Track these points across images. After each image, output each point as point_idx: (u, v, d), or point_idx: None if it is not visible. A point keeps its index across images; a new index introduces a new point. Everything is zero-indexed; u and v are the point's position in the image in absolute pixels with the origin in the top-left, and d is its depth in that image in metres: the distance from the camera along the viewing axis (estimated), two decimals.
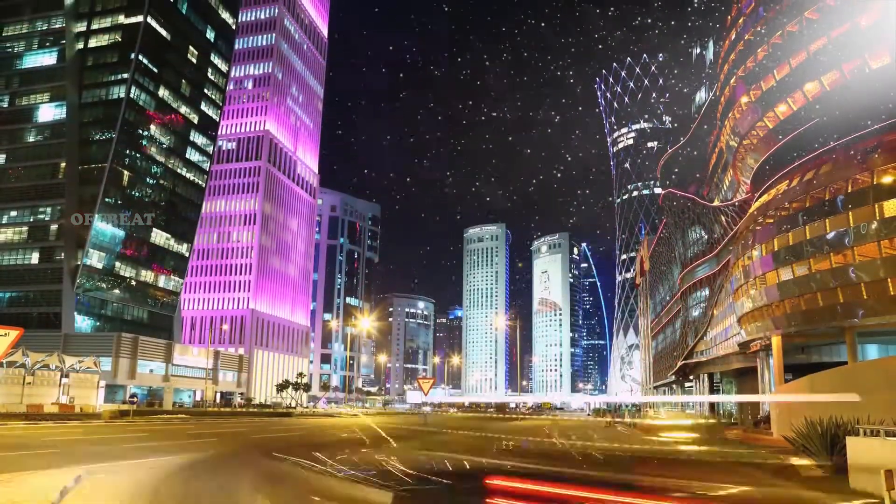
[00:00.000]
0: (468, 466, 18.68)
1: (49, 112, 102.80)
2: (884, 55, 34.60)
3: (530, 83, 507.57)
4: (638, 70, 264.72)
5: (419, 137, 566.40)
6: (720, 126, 53.31)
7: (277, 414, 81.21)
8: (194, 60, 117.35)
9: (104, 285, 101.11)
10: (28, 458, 20.77)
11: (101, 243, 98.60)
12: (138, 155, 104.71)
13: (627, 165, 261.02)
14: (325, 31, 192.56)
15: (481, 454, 21.80)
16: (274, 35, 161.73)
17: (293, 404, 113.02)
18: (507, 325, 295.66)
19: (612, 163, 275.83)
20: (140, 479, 16.50)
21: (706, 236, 68.21)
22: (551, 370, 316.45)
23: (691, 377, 77.41)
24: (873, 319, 34.86)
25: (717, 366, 63.06)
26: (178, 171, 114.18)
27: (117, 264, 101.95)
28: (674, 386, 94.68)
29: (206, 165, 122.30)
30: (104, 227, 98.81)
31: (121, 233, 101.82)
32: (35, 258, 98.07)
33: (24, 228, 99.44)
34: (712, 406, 69.39)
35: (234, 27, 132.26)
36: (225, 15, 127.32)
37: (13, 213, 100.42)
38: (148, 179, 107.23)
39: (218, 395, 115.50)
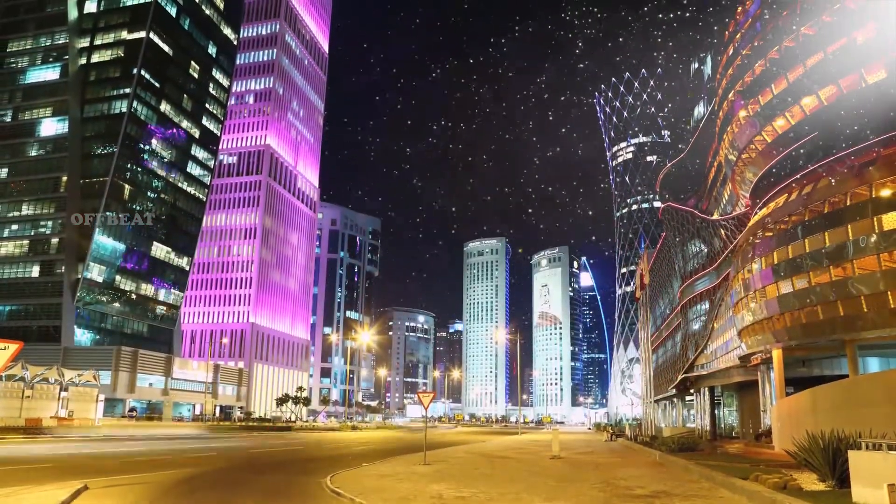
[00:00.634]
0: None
1: (51, 126, 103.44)
2: (880, 70, 34.87)
3: (531, 98, 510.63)
4: (637, 85, 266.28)
5: (419, 151, 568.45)
6: (719, 140, 53.59)
7: (277, 428, 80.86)
8: (196, 75, 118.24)
9: (104, 299, 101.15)
10: (26, 472, 20.72)
11: (102, 257, 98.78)
12: (139, 169, 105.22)
13: (627, 179, 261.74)
14: (325, 46, 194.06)
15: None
16: (275, 50, 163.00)
17: (293, 418, 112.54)
18: (507, 339, 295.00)
19: (611, 177, 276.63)
20: (139, 494, 16.48)
21: (706, 250, 68.31)
22: (552, 384, 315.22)
23: (692, 391, 77.13)
24: (874, 332, 34.84)
25: (717, 379, 62.87)
26: (179, 185, 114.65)
27: (118, 278, 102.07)
28: (675, 399, 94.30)
29: (206, 179, 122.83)
30: (105, 241, 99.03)
31: (121, 246, 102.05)
32: (35, 271, 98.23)
33: (25, 242, 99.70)
34: (713, 419, 69.11)
35: (235, 42, 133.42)
36: (227, 30, 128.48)
37: (14, 227, 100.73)
38: (149, 193, 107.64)
39: (217, 409, 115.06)
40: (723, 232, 59.93)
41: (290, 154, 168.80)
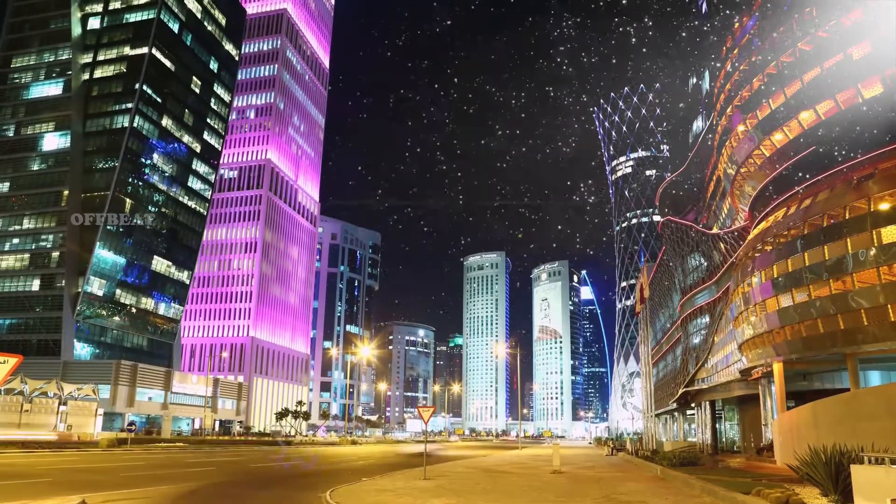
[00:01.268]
0: None
1: (53, 141, 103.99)
2: (876, 85, 35.16)
3: (531, 111, 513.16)
4: (635, 100, 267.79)
5: (420, 165, 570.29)
6: (717, 154, 53.84)
7: (277, 442, 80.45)
8: (197, 91, 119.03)
9: (104, 312, 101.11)
10: (24, 487, 20.66)
11: (103, 271, 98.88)
12: (140, 183, 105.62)
13: (626, 193, 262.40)
14: (326, 62, 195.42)
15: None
16: (276, 66, 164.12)
17: (292, 433, 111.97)
18: (507, 353, 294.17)
19: (611, 191, 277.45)
20: None
21: (705, 263, 68.34)
22: (552, 398, 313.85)
23: (693, 405, 76.79)
24: (874, 346, 34.80)
25: (718, 393, 62.65)
26: (180, 199, 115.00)
27: (118, 291, 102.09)
28: (675, 414, 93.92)
29: (207, 194, 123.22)
30: (105, 255, 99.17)
31: (122, 260, 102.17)
32: (36, 285, 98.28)
33: (26, 255, 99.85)
34: (714, 433, 68.75)
35: (237, 58, 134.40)
36: (228, 46, 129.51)
37: (15, 241, 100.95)
38: (150, 207, 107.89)
39: (217, 424, 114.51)
40: (722, 245, 60.03)
41: (290, 168, 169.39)
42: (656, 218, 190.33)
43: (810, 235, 37.62)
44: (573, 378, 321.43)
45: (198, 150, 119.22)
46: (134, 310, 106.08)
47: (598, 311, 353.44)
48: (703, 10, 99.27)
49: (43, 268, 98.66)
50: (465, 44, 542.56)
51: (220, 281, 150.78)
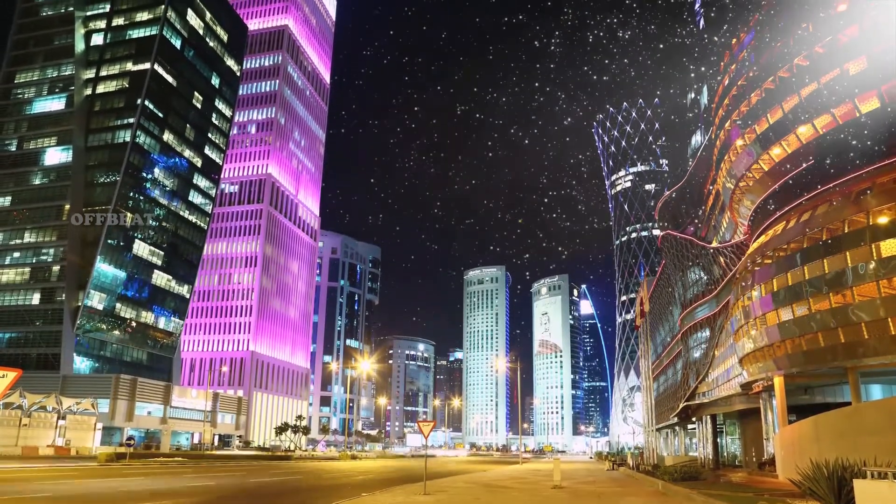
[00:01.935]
0: None
1: (55, 156, 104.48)
2: (872, 99, 35.41)
3: (531, 125, 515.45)
4: (634, 114, 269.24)
5: (420, 179, 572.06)
6: (716, 168, 54.06)
7: (276, 457, 80.00)
8: (199, 106, 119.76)
9: (104, 326, 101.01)
10: (20, 503, 20.58)
11: (103, 285, 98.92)
12: (142, 197, 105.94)
13: (626, 207, 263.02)
14: (327, 77, 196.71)
15: None
16: (277, 81, 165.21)
17: (292, 447, 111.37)
18: (507, 367, 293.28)
19: (610, 205, 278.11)
20: None
21: (705, 277, 68.38)
22: (552, 412, 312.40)
23: (694, 419, 76.49)
24: (875, 359, 34.77)
25: (719, 407, 62.44)
26: (181, 213, 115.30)
27: (118, 305, 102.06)
28: (676, 428, 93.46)
29: (208, 208, 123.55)
30: (106, 269, 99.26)
31: (122, 274, 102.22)
32: (36, 299, 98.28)
33: (27, 269, 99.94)
34: (716, 447, 68.42)
35: (238, 74, 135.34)
36: (230, 62, 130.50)
37: (16, 255, 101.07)
38: (151, 222, 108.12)
39: (216, 438, 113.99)
40: (722, 259, 60.12)
41: (291, 183, 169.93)
42: (656, 232, 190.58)
43: (810, 249, 37.72)
44: (574, 392, 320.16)
45: (199, 164, 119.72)
46: (134, 324, 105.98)
47: (599, 326, 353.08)
48: (701, 26, 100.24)
49: (43, 281, 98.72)
50: (464, 59, 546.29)
51: (221, 295, 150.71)
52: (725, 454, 69.95)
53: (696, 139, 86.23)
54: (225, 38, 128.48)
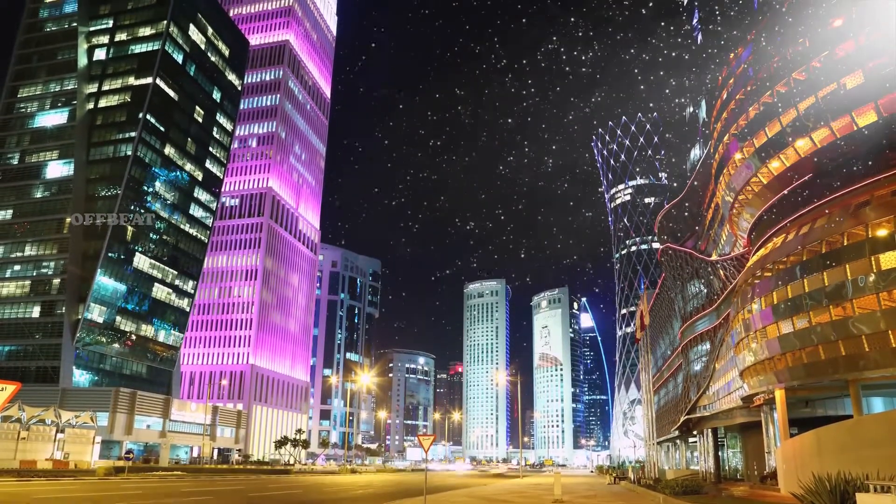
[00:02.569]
0: None
1: (57, 169, 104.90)
2: (869, 113, 35.70)
3: (530, 140, 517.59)
4: (633, 128, 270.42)
5: (420, 193, 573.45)
6: (715, 182, 54.30)
7: (275, 471, 79.62)
8: (200, 120, 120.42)
9: (104, 339, 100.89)
10: None
11: (103, 298, 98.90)
12: (142, 211, 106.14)
13: (626, 221, 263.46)
14: (327, 91, 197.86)
15: None
16: (278, 96, 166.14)
17: (291, 461, 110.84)
18: (507, 381, 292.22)
19: (610, 218, 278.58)
20: None
21: (705, 290, 68.41)
22: (553, 426, 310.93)
23: (695, 432, 76.20)
24: (876, 372, 34.74)
25: (720, 420, 62.23)
26: (182, 226, 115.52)
27: (118, 319, 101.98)
28: (678, 441, 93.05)
29: (209, 221, 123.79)
30: (106, 282, 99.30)
31: (122, 287, 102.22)
32: (36, 312, 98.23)
33: (27, 282, 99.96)
34: (717, 461, 68.12)
35: (239, 88, 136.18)
36: (231, 77, 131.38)
37: (17, 267, 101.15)
38: (151, 235, 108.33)
39: (215, 452, 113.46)
40: (722, 272, 60.21)
41: (291, 196, 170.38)
42: (656, 245, 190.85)
43: (809, 262, 37.83)
44: (574, 406, 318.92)
45: (200, 178, 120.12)
46: (134, 337, 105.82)
47: (599, 339, 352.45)
48: (699, 41, 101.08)
49: (43, 294, 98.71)
50: (464, 73, 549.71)
51: (221, 308, 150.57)
52: (727, 468, 69.61)
53: (695, 153, 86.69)
54: (226, 52, 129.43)
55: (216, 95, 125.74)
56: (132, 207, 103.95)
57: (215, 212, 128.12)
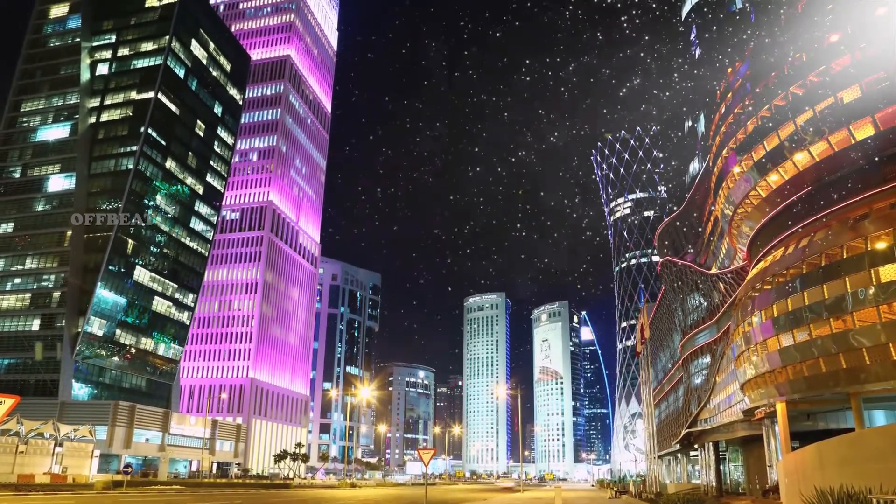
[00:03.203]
0: None
1: (58, 182, 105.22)
2: (867, 126, 36.02)
3: (530, 153, 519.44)
4: (633, 142, 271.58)
5: (420, 206, 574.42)
6: (714, 195, 54.56)
7: (275, 485, 79.19)
8: (201, 134, 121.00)
9: (104, 353, 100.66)
10: None
11: (103, 311, 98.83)
12: (143, 224, 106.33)
13: (625, 234, 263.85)
14: (328, 106, 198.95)
15: None
16: (279, 110, 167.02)
17: (291, 475, 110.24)
18: (508, 394, 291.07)
19: (609, 232, 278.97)
20: None
21: (705, 303, 68.47)
22: (553, 440, 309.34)
23: (696, 446, 75.91)
24: (878, 385, 34.71)
25: (721, 434, 62.04)
26: (182, 240, 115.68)
27: (118, 332, 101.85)
28: (679, 455, 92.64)
29: (209, 235, 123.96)
30: (106, 295, 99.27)
31: (123, 300, 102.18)
32: (36, 325, 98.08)
33: (27, 295, 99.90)
34: (718, 475, 67.81)
35: (240, 102, 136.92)
36: (232, 91, 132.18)
37: (17, 280, 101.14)
38: (152, 248, 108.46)
39: (214, 466, 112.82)
40: (722, 285, 60.31)
41: (291, 210, 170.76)
42: (655, 258, 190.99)
43: (809, 275, 37.92)
44: (575, 419, 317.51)
45: (200, 191, 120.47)
46: (133, 350, 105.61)
47: (599, 352, 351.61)
48: (697, 55, 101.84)
49: (43, 307, 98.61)
50: (463, 88, 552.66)
51: (221, 321, 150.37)
52: (728, 481, 69.27)
53: (694, 166, 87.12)
54: (228, 67, 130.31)
55: (217, 110, 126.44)
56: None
57: (216, 225, 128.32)
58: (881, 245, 34.45)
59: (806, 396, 39.64)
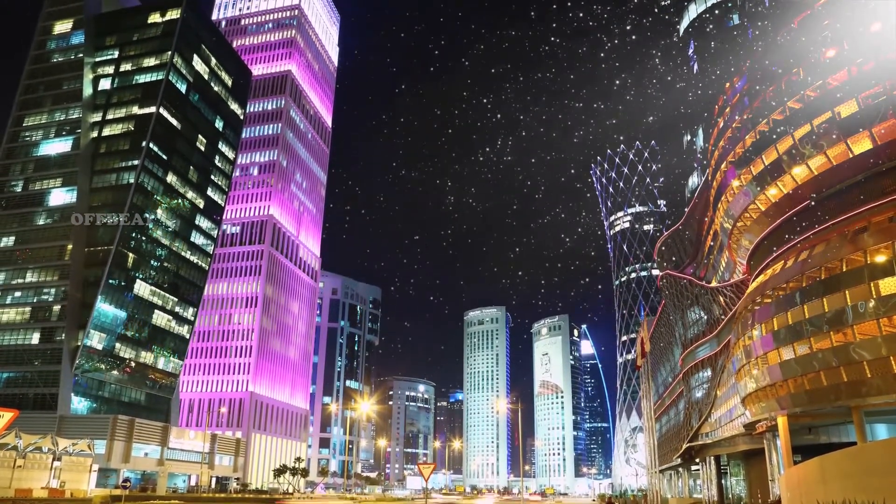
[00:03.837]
0: None
1: (60, 196, 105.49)
2: (864, 140, 36.33)
3: (529, 165, 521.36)
4: (631, 156, 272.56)
5: (421, 221, 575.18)
6: (713, 209, 54.80)
7: (274, 500, 78.70)
8: (202, 148, 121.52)
9: (103, 366, 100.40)
10: None
11: (103, 324, 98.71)
12: (144, 238, 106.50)
13: (625, 248, 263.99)
14: (328, 120, 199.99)
15: None
16: (280, 125, 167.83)
17: (290, 490, 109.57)
18: (508, 409, 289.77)
19: (609, 245, 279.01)
20: None
21: (705, 317, 68.50)
22: (554, 454, 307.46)
23: (697, 460, 75.56)
24: (879, 398, 34.70)
25: (723, 448, 61.81)
26: (183, 254, 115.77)
27: (118, 345, 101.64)
28: (680, 469, 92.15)
29: (209, 249, 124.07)
30: (106, 309, 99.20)
31: (123, 314, 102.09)
32: (36, 338, 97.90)
33: (27, 309, 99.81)
34: (720, 489, 67.43)
35: (241, 117, 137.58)
36: (234, 106, 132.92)
37: (17, 294, 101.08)
38: (152, 262, 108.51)
39: (213, 480, 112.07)
40: (721, 299, 60.37)
41: (292, 224, 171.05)
42: (655, 272, 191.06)
43: (809, 288, 38.04)
44: (575, 433, 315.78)
45: (201, 205, 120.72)
46: (133, 364, 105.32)
47: (600, 366, 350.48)
48: (695, 70, 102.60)
49: (43, 321, 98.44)
50: (464, 102, 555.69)
51: (221, 335, 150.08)
52: (730, 496, 68.92)
53: (693, 180, 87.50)
54: (229, 82, 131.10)
55: (219, 124, 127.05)
56: (133, 235, 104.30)
57: (216, 239, 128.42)
58: (880, 258, 34.61)
59: (807, 410, 39.61)
